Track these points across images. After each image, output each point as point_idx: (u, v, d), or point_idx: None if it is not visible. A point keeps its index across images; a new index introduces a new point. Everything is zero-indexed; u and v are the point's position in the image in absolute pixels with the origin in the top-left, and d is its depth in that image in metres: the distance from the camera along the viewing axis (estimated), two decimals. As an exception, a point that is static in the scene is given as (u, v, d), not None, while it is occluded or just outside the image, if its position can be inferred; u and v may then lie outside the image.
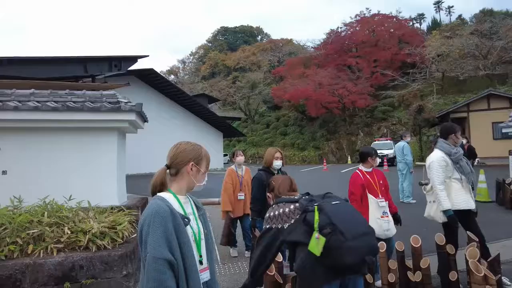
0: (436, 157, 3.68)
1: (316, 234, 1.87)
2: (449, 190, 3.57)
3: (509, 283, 3.34)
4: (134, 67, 14.32)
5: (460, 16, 47.87)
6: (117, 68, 10.43)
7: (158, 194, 1.61)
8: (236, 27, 73.19)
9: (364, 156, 3.81)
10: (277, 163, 3.77)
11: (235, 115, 46.16)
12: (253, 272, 2.13)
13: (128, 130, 5.85)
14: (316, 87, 30.03)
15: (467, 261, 3.04)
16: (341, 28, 39.33)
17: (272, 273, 2.82)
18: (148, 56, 13.69)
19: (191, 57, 73.88)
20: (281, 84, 36.40)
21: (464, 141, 8.61)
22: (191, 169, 1.63)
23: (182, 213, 1.58)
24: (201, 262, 1.61)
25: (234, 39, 70.81)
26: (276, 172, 3.83)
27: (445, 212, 3.50)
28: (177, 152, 1.65)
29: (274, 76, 42.17)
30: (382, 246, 3.36)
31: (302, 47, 47.26)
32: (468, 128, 19.80)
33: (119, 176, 5.44)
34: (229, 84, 46.34)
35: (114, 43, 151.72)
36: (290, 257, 2.19)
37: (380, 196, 3.69)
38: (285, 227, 2.03)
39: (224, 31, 72.92)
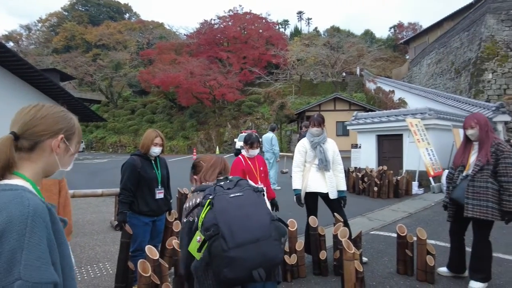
0: (298, 144, 4.03)
1: (198, 236, 1.56)
2: (308, 173, 3.86)
3: (364, 258, 3.82)
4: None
5: (316, 28, 54.98)
6: None
7: (6, 181, 0.97)
8: (100, -1, 65.09)
9: (246, 141, 3.82)
10: (156, 150, 3.29)
11: (94, 97, 41.15)
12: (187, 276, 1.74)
13: None
14: (187, 76, 29.46)
15: (337, 240, 3.31)
16: (214, 20, 39.70)
17: (148, 274, 2.41)
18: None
19: (40, 24, 61.93)
20: (150, 68, 34.22)
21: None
22: (59, 145, 1.07)
23: None
24: None
25: (97, 13, 62.83)
26: (152, 159, 3.35)
27: (293, 190, 3.83)
28: (37, 116, 1.05)
29: (142, 58, 39.39)
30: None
31: (174, 33, 45.55)
32: (319, 125, 22.91)
33: None
34: (88, 62, 40.81)
35: None
36: None
37: (259, 182, 3.71)
38: (196, 221, 1.65)
39: (85, 1, 63.69)
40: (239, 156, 3.77)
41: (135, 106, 37.53)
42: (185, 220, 1.75)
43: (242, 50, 35.61)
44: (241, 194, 1.69)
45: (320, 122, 3.93)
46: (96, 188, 5.68)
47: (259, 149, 3.81)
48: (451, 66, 22.75)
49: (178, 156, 26.48)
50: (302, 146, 3.95)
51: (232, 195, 1.66)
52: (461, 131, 10.18)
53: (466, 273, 3.34)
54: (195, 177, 2.03)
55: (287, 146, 26.50)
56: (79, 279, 3.53)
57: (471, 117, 3.20)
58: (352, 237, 3.28)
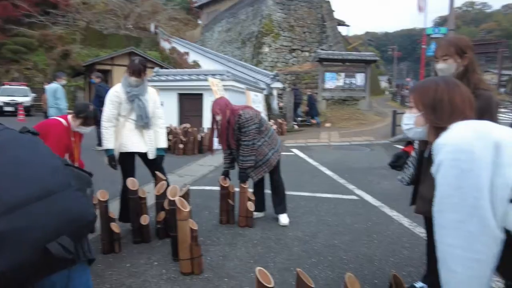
0: (110, 92, 3.25)
1: None
2: (123, 129, 3.25)
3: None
4: None
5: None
6: None
7: None
8: None
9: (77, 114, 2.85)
10: None
11: None
12: None
13: None
14: None
15: (161, 201, 2.96)
16: None
17: None
18: None
19: None
20: None
21: None
22: None
23: None
24: None
25: None
26: None
27: (105, 151, 3.20)
28: None
29: None
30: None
31: None
32: (111, 80, 20.76)
33: None
34: None
35: None
36: None
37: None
38: None
39: None
40: (61, 120, 2.70)
41: None
42: None
43: (0, -25, 26.81)
44: None
45: (141, 71, 3.19)
46: None
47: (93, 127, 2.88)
48: (238, 36, 25.33)
49: None
50: (116, 96, 3.16)
51: None
52: (252, 93, 11.58)
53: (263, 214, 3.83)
54: None
55: (71, 104, 22.75)
56: None
57: (214, 105, 3.41)
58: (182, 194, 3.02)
